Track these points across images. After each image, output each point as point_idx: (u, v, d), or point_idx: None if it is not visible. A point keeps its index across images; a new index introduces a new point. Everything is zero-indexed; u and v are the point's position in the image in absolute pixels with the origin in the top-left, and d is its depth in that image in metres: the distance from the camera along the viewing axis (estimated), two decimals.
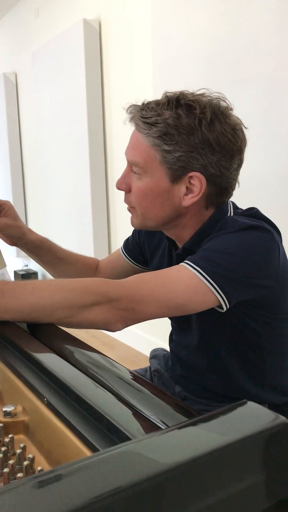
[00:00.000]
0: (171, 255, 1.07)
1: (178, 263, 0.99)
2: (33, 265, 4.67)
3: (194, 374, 1.09)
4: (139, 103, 0.94)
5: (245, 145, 0.93)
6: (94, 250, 3.33)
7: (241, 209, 1.00)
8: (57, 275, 1.25)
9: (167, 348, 1.33)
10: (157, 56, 2.51)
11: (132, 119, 0.94)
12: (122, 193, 0.99)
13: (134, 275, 0.90)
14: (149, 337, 2.98)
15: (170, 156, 0.89)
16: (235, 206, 1.00)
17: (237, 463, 0.39)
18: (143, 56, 2.76)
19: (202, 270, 0.83)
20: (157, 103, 0.92)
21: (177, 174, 0.90)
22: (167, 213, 0.94)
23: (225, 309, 0.86)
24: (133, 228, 1.18)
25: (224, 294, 0.83)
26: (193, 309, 0.87)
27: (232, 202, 1.00)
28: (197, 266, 0.83)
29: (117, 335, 3.35)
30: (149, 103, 0.93)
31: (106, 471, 0.36)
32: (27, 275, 4.38)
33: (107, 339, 3.32)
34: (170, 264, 1.06)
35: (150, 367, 1.28)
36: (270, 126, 1.79)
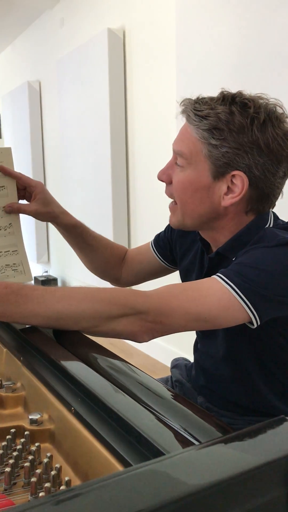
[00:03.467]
0: (203, 259, 1.05)
1: (209, 267, 0.98)
2: (53, 271, 4.70)
3: (218, 385, 1.07)
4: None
5: None
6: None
7: (282, 221, 0.98)
8: (84, 259, 1.25)
9: (188, 357, 1.32)
10: (181, 65, 2.51)
11: (184, 111, 0.92)
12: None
13: (163, 286, 0.88)
14: (168, 346, 2.96)
15: (216, 151, 0.87)
16: (276, 217, 0.98)
17: (268, 486, 0.38)
18: (167, 65, 2.77)
19: (236, 286, 0.81)
20: (211, 98, 0.91)
21: (220, 170, 0.88)
22: (206, 210, 0.92)
23: (255, 326, 0.84)
24: (155, 229, 1.17)
25: (256, 312, 0.82)
26: (222, 325, 0.85)
27: (273, 212, 0.98)
28: (231, 281, 0.81)
29: (135, 343, 3.33)
30: (203, 98, 0.92)
31: (126, 492, 0.34)
32: (46, 281, 4.40)
33: (125, 347, 3.31)
34: (201, 267, 1.05)
35: (171, 377, 1.27)
36: None
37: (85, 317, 0.80)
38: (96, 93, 3.39)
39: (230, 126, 0.86)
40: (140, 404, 0.56)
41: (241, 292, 0.80)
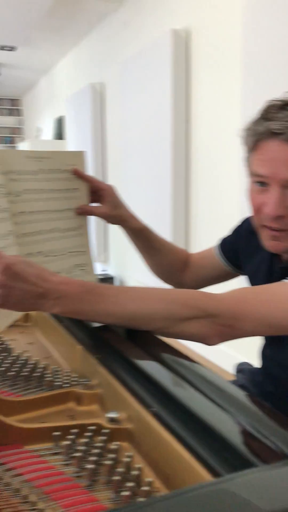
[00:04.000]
0: (272, 266, 1.03)
1: (282, 275, 0.96)
2: (112, 270, 4.76)
3: (287, 392, 1.04)
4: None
5: None
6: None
7: None
8: (150, 263, 1.26)
9: (248, 362, 1.30)
10: (247, 67, 2.47)
11: (277, 129, 0.86)
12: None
13: (235, 289, 0.87)
14: (222, 347, 2.93)
15: None
16: None
17: None
18: (232, 67, 2.74)
19: None
20: None
21: None
22: None
23: None
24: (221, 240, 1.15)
25: None
26: None
27: None
28: None
29: (190, 343, 3.31)
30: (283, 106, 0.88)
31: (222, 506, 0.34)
32: (104, 280, 4.47)
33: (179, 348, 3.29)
34: (269, 273, 1.03)
35: (236, 381, 1.25)
36: None
37: (158, 318, 0.80)
38: (158, 94, 3.40)
39: None
40: (223, 410, 0.55)
41: None
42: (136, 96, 3.81)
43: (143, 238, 1.20)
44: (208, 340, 0.83)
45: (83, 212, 1.11)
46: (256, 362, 1.27)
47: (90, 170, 5.02)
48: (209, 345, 0.84)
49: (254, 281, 1.09)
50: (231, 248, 1.18)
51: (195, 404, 0.57)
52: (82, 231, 1.12)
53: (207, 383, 0.64)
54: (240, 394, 0.62)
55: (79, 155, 1.09)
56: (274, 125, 0.86)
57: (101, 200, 1.13)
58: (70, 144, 5.62)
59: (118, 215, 1.15)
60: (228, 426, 0.52)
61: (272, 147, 0.87)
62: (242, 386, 1.20)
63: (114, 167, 4.64)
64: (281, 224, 0.91)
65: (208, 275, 1.25)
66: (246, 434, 0.52)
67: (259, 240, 1.06)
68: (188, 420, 0.56)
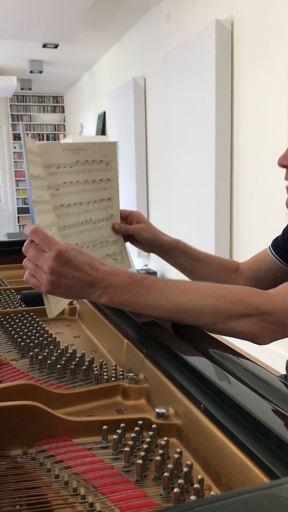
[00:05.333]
0: None
1: None
2: (153, 265, 4.76)
3: None
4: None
5: None
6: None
7: None
8: (194, 277, 1.22)
9: None
10: None
11: None
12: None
13: (284, 285, 0.84)
14: (269, 344, 2.87)
15: None
16: None
17: None
18: (278, 58, 2.66)
19: None
20: None
21: None
22: None
23: None
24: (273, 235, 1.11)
25: None
26: None
27: None
28: None
29: (234, 340, 3.27)
30: None
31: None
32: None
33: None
34: None
35: (285, 375, 1.22)
36: None
37: (205, 313, 0.79)
38: (202, 88, 3.36)
39: None
40: (277, 408, 0.54)
41: None
42: (178, 90, 3.77)
43: (182, 250, 1.17)
44: (259, 339, 0.81)
45: (119, 229, 1.11)
46: None
47: (132, 165, 5.03)
48: (259, 344, 0.82)
49: None
50: (283, 244, 1.15)
51: (245, 401, 0.55)
52: (113, 221, 1.12)
53: (258, 380, 0.62)
54: None
55: (112, 146, 1.09)
56: None
57: (132, 223, 1.13)
58: (112, 139, 5.64)
59: (152, 228, 1.14)
60: (282, 425, 0.50)
61: None
62: None
63: (156, 162, 4.62)
64: None
65: (265, 277, 1.20)
66: None
67: None
68: (239, 417, 0.54)
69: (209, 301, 0.79)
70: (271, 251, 1.18)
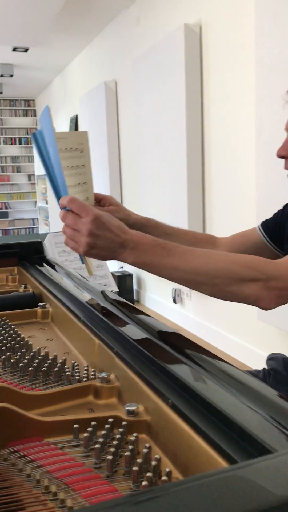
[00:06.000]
0: None
1: None
2: (128, 268, 4.78)
3: None
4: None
5: None
6: None
7: None
8: None
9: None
10: (260, 61, 2.44)
11: None
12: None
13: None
14: (245, 343, 2.92)
15: None
16: None
17: None
18: (245, 61, 2.71)
19: None
20: None
21: None
22: None
23: None
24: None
25: None
26: None
27: None
28: None
29: (211, 339, 3.31)
30: None
31: (205, 498, 0.34)
32: (122, 277, 4.49)
33: (200, 344, 3.29)
34: None
35: (264, 368, 1.29)
36: None
37: (220, 275, 0.84)
38: (172, 90, 3.39)
39: None
40: (241, 401, 0.56)
41: None
42: (149, 92, 3.80)
43: (153, 226, 1.22)
44: (264, 303, 0.86)
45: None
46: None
47: (105, 168, 5.02)
48: (265, 308, 0.87)
49: None
50: (273, 225, 1.24)
51: (211, 395, 0.57)
52: (88, 203, 1.15)
53: (224, 374, 0.65)
54: (256, 384, 0.62)
55: (84, 134, 1.13)
56: None
57: (104, 206, 1.17)
58: None
59: (123, 209, 1.19)
60: (244, 416, 0.52)
61: None
62: (272, 370, 1.23)
63: (129, 164, 4.64)
64: None
65: (246, 251, 1.28)
66: (266, 424, 0.52)
67: None
68: (205, 410, 0.57)
69: (223, 264, 0.85)
70: (260, 230, 1.25)
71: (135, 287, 4.65)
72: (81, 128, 5.85)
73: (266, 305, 0.86)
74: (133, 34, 4.30)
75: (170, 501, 0.33)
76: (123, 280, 4.44)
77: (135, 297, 4.61)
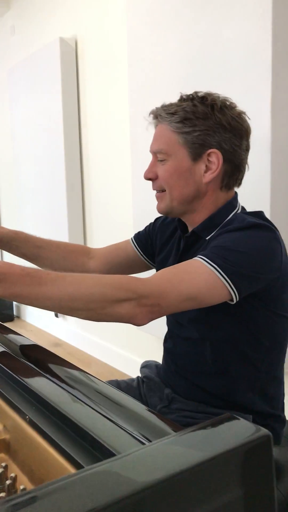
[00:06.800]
0: (180, 243, 1.14)
1: (185, 246, 1.09)
2: None
3: (188, 369, 1.12)
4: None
5: (250, 131, 1.07)
6: None
7: (249, 211, 1.10)
8: (40, 264, 1.26)
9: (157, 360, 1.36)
10: (133, 74, 2.55)
11: (155, 114, 1.08)
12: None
13: (157, 272, 0.95)
14: (125, 352, 2.98)
15: (189, 137, 1.02)
16: (243, 207, 1.11)
17: (216, 479, 0.40)
18: (119, 74, 2.80)
19: (218, 267, 0.90)
20: (175, 101, 1.07)
21: (197, 152, 1.03)
22: (190, 190, 1.05)
23: (235, 301, 0.93)
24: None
25: (236, 289, 0.91)
26: (209, 303, 0.93)
27: (242, 206, 1.11)
28: (214, 263, 0.91)
29: (93, 351, 3.33)
30: (168, 103, 1.07)
31: (81, 492, 0.36)
32: None
33: (82, 356, 3.29)
34: (177, 249, 1.14)
35: (138, 377, 1.31)
36: None
37: (94, 300, 0.85)
38: (49, 102, 3.38)
39: (196, 115, 1.02)
40: (95, 410, 0.57)
41: (224, 273, 0.90)
42: (26, 103, 3.74)
43: (22, 240, 1.21)
44: (138, 320, 0.88)
45: None
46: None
47: None
48: (138, 325, 0.89)
49: (164, 264, 1.17)
50: (145, 238, 1.27)
51: (69, 409, 0.58)
52: None
53: (85, 387, 0.66)
54: (117, 395, 0.64)
55: None
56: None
57: None
58: None
59: None
60: (98, 425, 0.54)
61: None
62: (145, 377, 1.26)
63: (6, 178, 4.51)
64: (156, 187, 1.09)
65: (120, 263, 1.31)
66: (116, 430, 0.54)
67: (172, 231, 1.19)
68: (63, 424, 0.57)
69: (96, 288, 0.86)
70: (133, 242, 1.29)
71: (14, 302, 4.50)
72: None
73: (139, 322, 0.89)
74: (8, 43, 4.21)
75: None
76: None
77: (15, 313, 4.47)
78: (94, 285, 0.86)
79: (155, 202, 1.14)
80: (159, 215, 1.29)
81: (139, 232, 1.30)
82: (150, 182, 1.12)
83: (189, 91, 1.11)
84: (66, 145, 3.27)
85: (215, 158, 1.02)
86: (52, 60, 3.27)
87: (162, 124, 1.06)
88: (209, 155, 1.02)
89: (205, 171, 1.03)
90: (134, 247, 1.28)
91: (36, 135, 3.62)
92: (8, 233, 1.17)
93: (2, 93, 4.39)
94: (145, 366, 1.33)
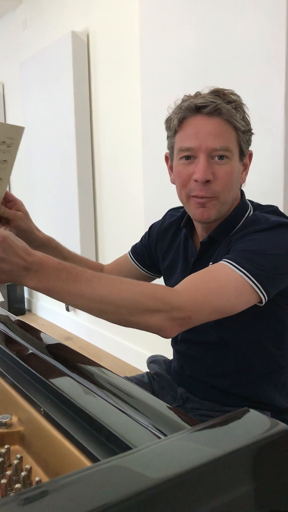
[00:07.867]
0: (187, 247, 1.11)
1: (202, 251, 1.05)
2: None
3: (205, 371, 1.10)
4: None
5: None
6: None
7: (257, 203, 1.07)
8: None
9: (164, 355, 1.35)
10: (145, 68, 2.53)
11: (214, 106, 0.94)
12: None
13: (186, 279, 0.91)
14: (135, 347, 2.98)
15: (246, 136, 0.98)
16: (257, 203, 1.08)
17: (233, 474, 0.40)
18: (131, 69, 2.79)
19: (248, 272, 0.88)
20: (221, 92, 0.98)
21: (244, 152, 1.00)
22: (235, 193, 1.02)
23: (263, 303, 0.91)
24: (129, 239, 1.17)
25: (266, 292, 0.89)
26: (238, 310, 0.91)
27: (252, 201, 1.08)
28: (244, 268, 0.88)
29: (103, 345, 3.34)
30: (217, 91, 0.98)
31: (92, 488, 0.35)
32: (11, 285, 4.35)
33: (93, 350, 3.30)
34: (186, 255, 1.10)
35: (148, 372, 1.29)
36: (258, 138, 1.82)
37: (124, 305, 0.83)
38: (61, 96, 3.38)
39: (246, 112, 0.99)
40: (109, 403, 0.57)
41: (253, 278, 0.88)
42: (38, 97, 3.75)
43: (52, 248, 1.19)
44: (167, 332, 0.86)
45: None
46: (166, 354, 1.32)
47: None
48: (167, 337, 0.88)
49: (172, 271, 1.15)
50: (142, 251, 1.25)
51: (84, 401, 0.58)
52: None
53: (100, 380, 0.66)
54: (131, 388, 0.64)
55: (19, 130, 1.09)
56: (197, 101, 0.96)
57: (11, 208, 1.12)
58: None
59: (29, 220, 1.15)
60: (112, 419, 0.54)
61: (196, 121, 0.97)
62: (156, 374, 1.24)
63: (17, 171, 4.52)
64: (209, 192, 0.98)
65: (125, 277, 1.28)
66: (131, 423, 0.54)
67: (171, 235, 1.16)
68: (78, 417, 0.57)
69: (129, 294, 0.83)
70: (130, 256, 1.27)
71: (26, 296, 4.53)
72: None
73: (168, 334, 0.86)
74: (20, 37, 4.21)
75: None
76: (12, 289, 4.30)
77: (26, 307, 4.49)
78: (127, 291, 0.84)
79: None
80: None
81: (135, 245, 1.28)
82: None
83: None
84: (78, 139, 3.26)
85: (249, 157, 1.01)
86: (64, 54, 3.26)
87: (222, 119, 0.95)
88: (250, 154, 1.01)
89: (241, 172, 1.01)
90: (132, 262, 1.26)
91: (48, 129, 3.63)
92: (42, 239, 1.16)
93: (14, 87, 4.39)
94: (153, 361, 1.31)
